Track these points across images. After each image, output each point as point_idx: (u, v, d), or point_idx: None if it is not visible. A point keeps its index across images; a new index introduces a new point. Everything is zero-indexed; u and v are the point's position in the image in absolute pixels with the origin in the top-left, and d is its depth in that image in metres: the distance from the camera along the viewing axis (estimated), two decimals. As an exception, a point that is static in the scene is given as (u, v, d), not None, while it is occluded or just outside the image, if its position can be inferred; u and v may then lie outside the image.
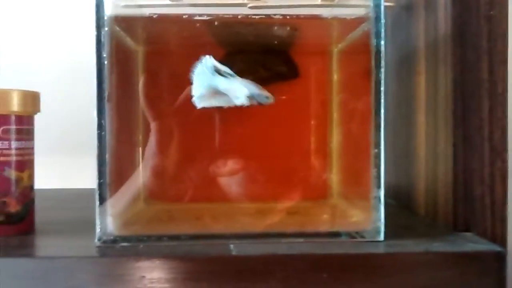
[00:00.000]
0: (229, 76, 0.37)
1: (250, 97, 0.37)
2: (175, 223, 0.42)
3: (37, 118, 0.40)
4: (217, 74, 0.37)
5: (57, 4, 0.69)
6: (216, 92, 0.37)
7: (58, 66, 0.69)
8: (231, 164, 0.45)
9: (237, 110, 0.44)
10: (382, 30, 0.36)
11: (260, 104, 0.37)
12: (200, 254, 0.33)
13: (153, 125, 0.43)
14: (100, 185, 0.35)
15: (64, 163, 0.68)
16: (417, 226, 0.43)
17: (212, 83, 0.37)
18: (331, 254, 0.34)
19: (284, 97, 0.43)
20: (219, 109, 0.44)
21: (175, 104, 0.42)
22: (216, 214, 0.43)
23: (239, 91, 0.37)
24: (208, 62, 0.37)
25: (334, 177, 0.46)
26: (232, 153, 0.45)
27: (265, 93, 0.38)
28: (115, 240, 0.35)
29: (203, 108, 0.37)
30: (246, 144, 0.46)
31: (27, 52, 0.69)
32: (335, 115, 0.46)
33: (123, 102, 0.40)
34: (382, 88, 0.36)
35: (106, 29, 0.35)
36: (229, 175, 0.45)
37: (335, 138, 0.46)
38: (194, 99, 0.37)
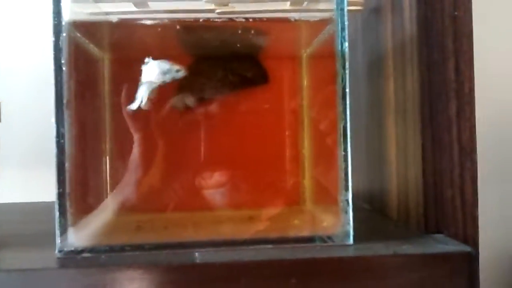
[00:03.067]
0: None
1: (162, 72, 0.37)
2: (141, 234, 0.40)
3: (-2, 128, 0.39)
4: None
5: (18, 10, 0.68)
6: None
7: (21, 74, 0.68)
8: (203, 173, 0.44)
9: (206, 117, 0.44)
10: (346, 32, 0.36)
11: (174, 79, 0.37)
12: (163, 263, 0.32)
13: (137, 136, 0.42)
14: (60, 194, 0.34)
15: (28, 175, 0.66)
16: (388, 229, 0.42)
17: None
18: (299, 259, 0.33)
19: (258, 103, 0.43)
20: (190, 117, 0.44)
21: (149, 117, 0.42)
22: (185, 223, 0.43)
23: (148, 73, 0.37)
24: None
25: (307, 183, 0.46)
26: (205, 162, 0.44)
27: (174, 66, 0.38)
28: (76, 251, 0.34)
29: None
30: (219, 152, 0.46)
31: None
32: (306, 121, 0.46)
33: (86, 110, 0.39)
34: (347, 90, 0.36)
35: (64, 34, 0.35)
36: (202, 184, 0.44)
37: (307, 143, 0.46)
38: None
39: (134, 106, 0.38)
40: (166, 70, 0.37)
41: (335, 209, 0.38)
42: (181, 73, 0.38)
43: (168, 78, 0.37)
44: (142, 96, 0.37)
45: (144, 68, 0.37)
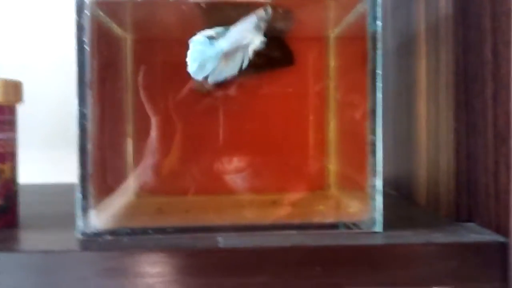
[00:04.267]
0: (223, 35, 0.36)
1: (257, 27, 0.36)
2: (162, 216, 0.40)
3: (22, 110, 0.39)
4: (214, 41, 0.36)
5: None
6: (220, 62, 0.36)
7: (44, 56, 0.67)
8: (225, 157, 0.43)
9: (229, 99, 0.43)
10: (379, 10, 0.34)
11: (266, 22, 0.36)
12: (186, 247, 0.32)
13: (153, 119, 0.41)
14: (82, 176, 0.33)
15: (50, 156, 0.66)
16: (417, 217, 0.41)
17: (212, 54, 0.36)
18: (324, 246, 0.32)
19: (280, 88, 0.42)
20: (213, 100, 0.43)
21: (172, 99, 0.41)
22: (207, 206, 0.42)
23: (244, 39, 0.36)
24: (200, 39, 0.36)
25: (332, 167, 0.45)
26: (227, 145, 0.43)
27: (260, 12, 0.36)
28: (97, 234, 0.34)
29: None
30: (241, 135, 0.45)
31: (10, 42, 0.68)
32: (332, 104, 0.44)
33: (108, 91, 0.38)
34: (379, 72, 0.34)
35: (87, 13, 0.34)
36: (224, 168, 0.43)
37: (332, 127, 0.44)
38: (191, 73, 0.36)
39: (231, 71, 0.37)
40: (257, 21, 0.35)
41: (361, 195, 0.37)
42: (268, 11, 0.36)
43: (263, 25, 0.36)
44: (242, 62, 0.36)
45: (226, 40, 0.36)
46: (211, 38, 0.35)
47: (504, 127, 0.37)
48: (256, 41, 0.35)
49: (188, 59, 0.37)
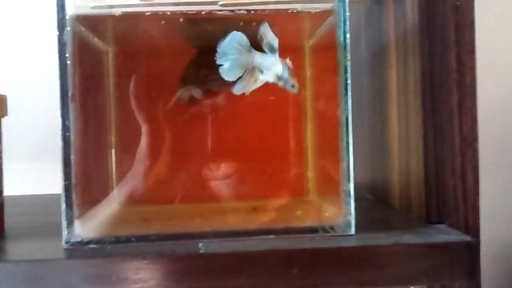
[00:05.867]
0: (267, 52, 0.37)
1: (279, 77, 0.37)
2: (147, 225, 0.41)
3: (6, 122, 0.40)
4: (253, 49, 0.37)
5: (22, 5, 0.69)
6: (247, 68, 0.37)
7: (28, 70, 0.68)
8: (207, 165, 0.44)
9: (210, 109, 0.44)
10: (348, 23, 0.36)
11: (284, 88, 0.38)
12: (168, 253, 0.33)
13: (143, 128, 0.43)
14: (66, 187, 0.35)
15: (34, 168, 0.67)
16: (390, 220, 0.43)
17: (244, 60, 0.37)
18: (301, 249, 0.33)
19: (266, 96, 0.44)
20: (195, 109, 0.44)
21: (154, 109, 0.42)
22: (190, 214, 0.43)
23: (272, 67, 0.37)
24: (243, 39, 0.37)
25: (310, 174, 0.46)
26: (209, 153, 0.44)
27: (293, 80, 0.38)
28: (82, 242, 0.35)
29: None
30: (222, 144, 0.46)
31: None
32: (309, 112, 0.46)
33: (91, 103, 0.40)
34: (349, 82, 0.36)
35: (68, 28, 0.35)
36: (207, 175, 0.44)
37: (310, 135, 0.46)
38: (221, 70, 0.37)
39: (238, 90, 0.38)
40: (285, 79, 0.37)
41: (337, 200, 0.38)
42: (294, 90, 0.38)
43: (280, 83, 0.38)
44: (248, 84, 0.37)
45: (262, 56, 0.37)
46: (249, 47, 0.37)
47: (470, 132, 0.39)
48: (280, 71, 0.37)
49: (219, 53, 0.37)
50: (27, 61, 0.68)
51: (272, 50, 0.37)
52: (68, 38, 0.35)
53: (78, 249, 0.34)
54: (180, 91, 0.43)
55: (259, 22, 0.41)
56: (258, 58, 0.37)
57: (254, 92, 0.45)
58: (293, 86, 0.38)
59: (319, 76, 0.44)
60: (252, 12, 0.39)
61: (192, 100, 0.44)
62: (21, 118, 0.65)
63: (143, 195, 0.43)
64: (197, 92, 0.44)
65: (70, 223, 0.35)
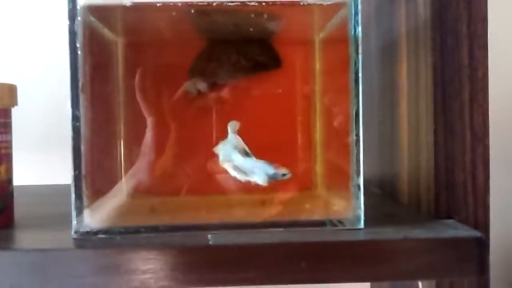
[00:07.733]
0: (245, 156, 0.39)
1: (269, 177, 0.39)
2: (155, 216, 0.41)
3: (15, 112, 0.40)
4: (236, 151, 0.40)
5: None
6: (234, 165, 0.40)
7: (38, 59, 0.68)
8: (216, 157, 0.44)
9: (218, 101, 0.44)
10: (359, 16, 0.36)
11: (277, 181, 0.40)
12: (177, 244, 0.33)
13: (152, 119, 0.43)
14: (75, 177, 0.35)
15: (44, 158, 0.67)
16: (399, 214, 0.42)
17: (230, 156, 0.40)
18: (309, 242, 0.33)
19: (271, 89, 0.44)
20: (203, 102, 0.44)
21: (162, 101, 0.42)
22: (198, 206, 0.43)
23: (257, 171, 0.39)
24: (232, 138, 0.40)
25: (318, 168, 0.46)
26: (216, 145, 0.44)
27: (281, 170, 0.39)
28: (92, 233, 0.35)
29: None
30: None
31: (4, 47, 0.69)
32: (318, 106, 0.46)
33: (101, 93, 0.40)
34: (360, 75, 0.36)
35: (79, 19, 0.35)
36: (215, 168, 0.44)
37: (319, 129, 0.46)
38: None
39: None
40: (272, 174, 0.39)
41: (346, 194, 0.38)
42: (287, 176, 0.40)
43: (271, 181, 0.39)
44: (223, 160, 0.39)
45: (242, 159, 0.40)
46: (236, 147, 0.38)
47: (481, 128, 0.39)
48: (259, 181, 0.39)
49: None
50: (37, 51, 0.68)
51: (246, 154, 0.38)
52: (78, 28, 0.35)
53: (87, 239, 0.35)
54: (187, 84, 0.43)
55: (269, 14, 0.40)
56: (238, 160, 0.39)
57: (262, 85, 0.45)
58: (284, 175, 0.39)
59: (329, 69, 0.44)
60: (264, 4, 0.38)
61: (200, 93, 0.44)
62: (31, 108, 0.65)
63: (153, 186, 0.44)
64: (203, 85, 0.44)
65: (79, 213, 0.35)
